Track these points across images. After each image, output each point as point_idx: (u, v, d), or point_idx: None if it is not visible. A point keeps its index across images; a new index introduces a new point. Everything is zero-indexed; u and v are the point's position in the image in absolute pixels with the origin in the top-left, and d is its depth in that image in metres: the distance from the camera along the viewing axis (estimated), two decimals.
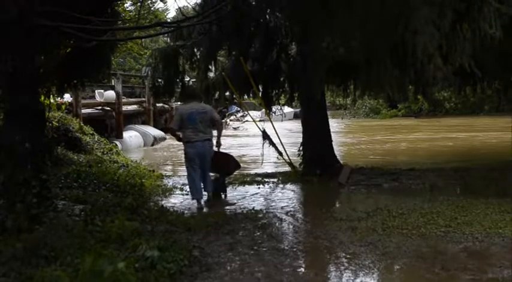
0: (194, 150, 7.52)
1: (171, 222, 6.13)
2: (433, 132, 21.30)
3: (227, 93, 11.98)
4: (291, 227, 6.26)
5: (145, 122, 21.96)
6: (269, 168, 11.32)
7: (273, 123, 10.11)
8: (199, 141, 7.47)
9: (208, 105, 8.31)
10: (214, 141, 7.76)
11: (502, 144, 16.10)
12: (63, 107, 13.20)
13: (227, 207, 7.54)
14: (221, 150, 8.07)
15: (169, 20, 17.41)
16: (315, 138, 10.19)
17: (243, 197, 8.32)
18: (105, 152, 12.02)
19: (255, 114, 19.86)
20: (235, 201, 8.00)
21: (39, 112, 5.81)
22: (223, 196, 8.23)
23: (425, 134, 20.74)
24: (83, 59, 7.95)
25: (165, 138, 20.09)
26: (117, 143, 16.59)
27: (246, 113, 19.54)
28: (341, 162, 10.52)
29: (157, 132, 20.28)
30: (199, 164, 7.59)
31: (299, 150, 10.38)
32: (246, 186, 9.12)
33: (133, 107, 22.20)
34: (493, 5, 6.55)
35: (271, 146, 9.99)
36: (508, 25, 6.81)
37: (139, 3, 13.74)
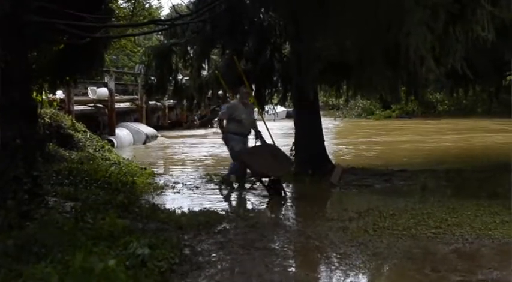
0: None
1: (162, 220, 6.09)
2: (425, 133, 21.35)
3: (220, 92, 11.98)
4: (282, 226, 6.25)
5: (137, 120, 21.90)
6: None
7: (266, 122, 10.10)
8: None
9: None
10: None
11: (494, 145, 16.24)
12: (55, 103, 13.16)
13: (219, 206, 7.54)
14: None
15: (163, 18, 17.40)
16: (307, 138, 10.20)
17: (235, 196, 8.38)
18: (97, 149, 11.95)
19: None
20: (227, 200, 8.09)
21: (31, 108, 5.80)
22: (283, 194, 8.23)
23: (417, 135, 20.78)
24: (76, 55, 7.92)
25: (157, 136, 20.06)
26: (112, 139, 16.55)
27: None
28: (333, 162, 10.54)
29: (150, 130, 20.21)
30: None
31: (291, 150, 10.37)
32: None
33: (126, 104, 22.14)
34: (486, 7, 6.57)
35: None
36: (500, 28, 6.85)
37: (133, 0, 13.69)
